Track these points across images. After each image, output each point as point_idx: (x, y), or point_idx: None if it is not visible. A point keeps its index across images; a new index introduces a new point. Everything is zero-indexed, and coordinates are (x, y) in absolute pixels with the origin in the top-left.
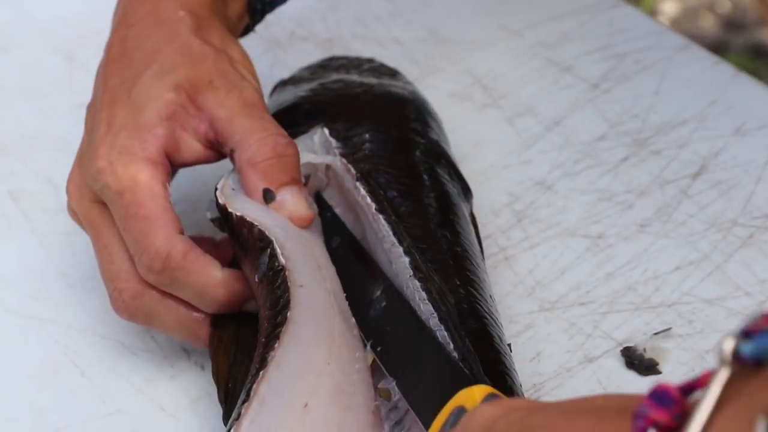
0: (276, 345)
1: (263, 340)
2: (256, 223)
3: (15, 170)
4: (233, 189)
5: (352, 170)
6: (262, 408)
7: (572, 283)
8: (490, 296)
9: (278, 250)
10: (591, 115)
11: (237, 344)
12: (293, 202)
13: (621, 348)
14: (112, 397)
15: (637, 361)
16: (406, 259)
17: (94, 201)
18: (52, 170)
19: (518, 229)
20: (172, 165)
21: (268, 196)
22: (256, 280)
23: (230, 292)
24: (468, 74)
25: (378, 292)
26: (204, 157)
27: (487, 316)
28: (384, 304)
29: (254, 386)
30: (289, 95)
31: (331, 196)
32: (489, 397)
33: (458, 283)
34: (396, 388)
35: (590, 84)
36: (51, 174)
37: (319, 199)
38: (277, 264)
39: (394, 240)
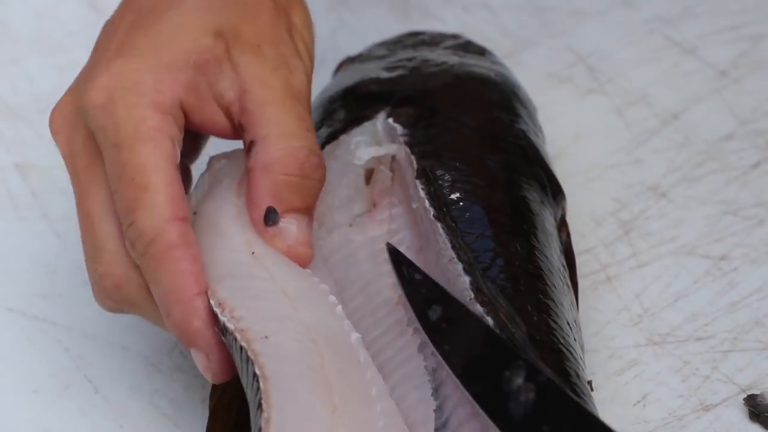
0: (265, 407)
1: (252, 406)
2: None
3: (24, 139)
4: (206, 188)
5: (414, 164)
6: None
7: (688, 313)
8: (569, 323)
9: (220, 310)
10: (717, 109)
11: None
12: (297, 235)
13: (744, 395)
14: (131, 421)
15: (763, 412)
16: (466, 279)
17: (87, 142)
18: None
19: (624, 244)
20: (186, 125)
21: (270, 217)
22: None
23: (195, 326)
24: (570, 51)
25: (519, 380)
26: (221, 129)
27: (562, 349)
28: (533, 396)
29: None
30: (356, 74)
31: (394, 193)
32: None
33: (529, 309)
34: None
35: (717, 70)
36: None
37: (396, 255)
38: (224, 322)
39: (453, 254)
